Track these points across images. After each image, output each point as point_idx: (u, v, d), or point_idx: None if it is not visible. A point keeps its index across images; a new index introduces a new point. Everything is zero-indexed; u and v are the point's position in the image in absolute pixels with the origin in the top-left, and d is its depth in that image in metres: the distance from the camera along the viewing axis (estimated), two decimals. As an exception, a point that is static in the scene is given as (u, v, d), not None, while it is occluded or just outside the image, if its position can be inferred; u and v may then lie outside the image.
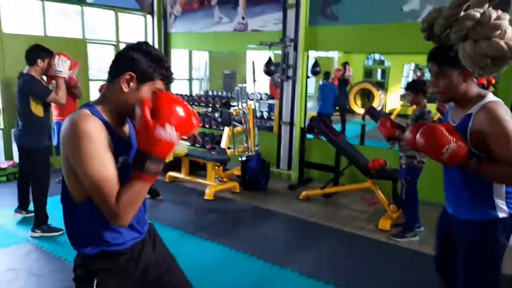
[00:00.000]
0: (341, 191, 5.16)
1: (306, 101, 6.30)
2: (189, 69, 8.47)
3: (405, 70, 12.48)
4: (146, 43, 1.39)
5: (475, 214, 1.85)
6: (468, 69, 1.76)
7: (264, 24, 6.33)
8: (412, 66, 12.54)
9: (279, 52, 6.13)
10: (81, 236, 1.40)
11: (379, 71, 13.19)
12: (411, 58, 11.84)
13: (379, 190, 4.54)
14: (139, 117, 1.24)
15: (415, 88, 3.79)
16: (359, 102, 12.28)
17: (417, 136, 1.78)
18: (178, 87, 8.13)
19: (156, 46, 7.53)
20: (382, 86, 12.28)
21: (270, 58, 5.81)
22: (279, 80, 6.16)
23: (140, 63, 1.31)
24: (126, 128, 1.46)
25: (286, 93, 6.03)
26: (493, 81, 6.10)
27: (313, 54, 6.62)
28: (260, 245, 3.82)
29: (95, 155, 1.23)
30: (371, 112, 6.61)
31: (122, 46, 7.10)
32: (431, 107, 4.29)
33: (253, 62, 5.97)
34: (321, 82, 8.89)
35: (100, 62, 8.10)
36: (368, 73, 13.02)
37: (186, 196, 5.20)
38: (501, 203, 1.80)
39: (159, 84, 1.35)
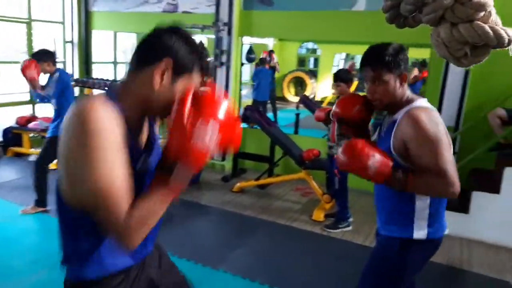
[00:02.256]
0: (274, 182, 5.03)
1: (240, 89, 6.06)
2: (114, 52, 7.82)
3: (336, 60, 12.72)
4: (180, 27, 1.11)
5: (390, 230, 1.76)
6: (404, 72, 1.64)
7: (196, 6, 5.94)
8: (343, 55, 12.81)
9: (213, 36, 5.80)
10: (80, 255, 1.11)
11: (312, 59, 13.32)
12: (342, 47, 12.08)
13: (313, 180, 4.48)
14: (175, 116, 0.97)
15: (345, 78, 3.72)
16: (292, 90, 12.33)
17: (341, 110, 1.70)
18: (102, 71, 7.46)
19: (76, 26, 6.81)
20: (314, 74, 12.42)
21: (201, 42, 5.45)
22: (212, 66, 5.84)
23: (179, 51, 1.05)
24: (146, 129, 1.17)
25: (220, 80, 5.74)
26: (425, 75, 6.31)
27: (248, 40, 6.38)
28: (191, 245, 3.54)
29: (105, 154, 0.93)
30: (305, 101, 6.58)
31: (35, 24, 6.31)
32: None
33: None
34: (254, 69, 8.69)
35: (8, 42, 7.17)
36: (301, 62, 13.10)
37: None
38: (420, 224, 1.69)
39: (196, 78, 1.10)
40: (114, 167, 0.95)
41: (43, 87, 3.93)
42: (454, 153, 4.58)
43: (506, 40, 0.99)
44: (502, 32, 1.00)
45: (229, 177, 5.28)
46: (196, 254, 3.33)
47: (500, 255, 3.67)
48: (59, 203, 1.10)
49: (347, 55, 12.76)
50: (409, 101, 1.65)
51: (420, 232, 1.68)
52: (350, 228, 4.01)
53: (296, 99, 11.57)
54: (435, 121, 1.55)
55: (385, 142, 1.65)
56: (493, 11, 1.04)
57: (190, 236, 3.73)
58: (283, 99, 12.00)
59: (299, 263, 3.32)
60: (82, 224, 1.07)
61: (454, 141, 4.51)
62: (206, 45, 5.59)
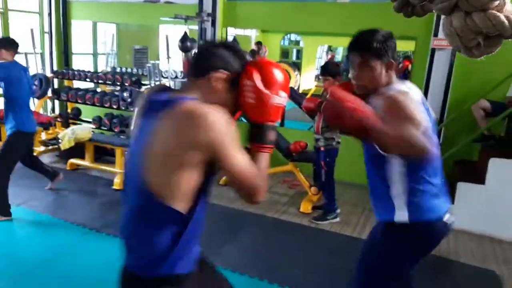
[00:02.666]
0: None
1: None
2: (94, 43, 7.60)
3: (318, 51, 12.71)
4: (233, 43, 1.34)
5: (378, 214, 1.78)
6: (390, 60, 1.61)
7: (178, -5, 5.81)
8: (325, 47, 12.81)
9: (196, 27, 5.68)
10: (170, 257, 1.22)
11: (295, 51, 13.27)
12: (326, 39, 12.07)
13: (301, 172, 4.46)
14: (250, 89, 1.20)
15: (333, 72, 3.70)
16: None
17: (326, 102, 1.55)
18: (81, 62, 7.24)
19: (54, 16, 6.58)
20: (297, 66, 12.38)
21: (186, 33, 5.34)
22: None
23: (235, 62, 1.25)
24: None
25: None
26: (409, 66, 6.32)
27: (231, 32, 6.29)
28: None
29: (236, 141, 1.17)
30: (290, 93, 6.51)
31: (12, 14, 6.06)
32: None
33: (166, 37, 5.45)
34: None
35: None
36: (285, 53, 13.04)
37: (91, 186, 4.61)
38: (400, 204, 1.67)
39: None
40: (241, 149, 1.18)
41: None
42: (439, 144, 4.65)
43: None
44: None
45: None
46: (184, 249, 3.27)
47: (485, 244, 3.73)
48: (144, 201, 1.18)
49: (329, 47, 12.76)
50: (389, 86, 1.62)
51: (400, 214, 1.66)
52: (338, 219, 4.01)
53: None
54: (409, 101, 1.50)
55: None
56: (508, 0, 1.00)
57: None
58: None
59: (288, 256, 3.30)
60: (166, 223, 1.18)
61: (439, 133, 4.55)
62: (189, 36, 5.48)
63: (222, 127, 1.12)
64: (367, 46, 1.61)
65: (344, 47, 12.85)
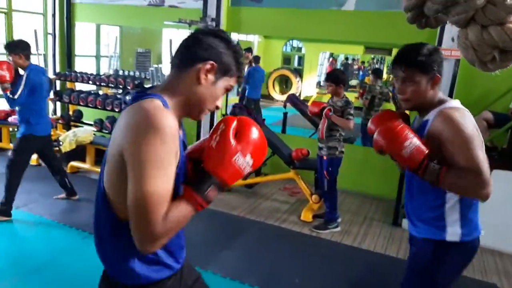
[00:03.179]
0: (263, 182, 4.97)
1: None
2: (97, 45, 7.60)
3: (320, 58, 12.74)
4: (223, 30, 1.20)
5: (426, 233, 1.73)
6: (436, 74, 1.60)
7: (183, 0, 5.81)
8: (327, 54, 12.84)
9: (199, 31, 5.69)
10: (127, 263, 1.12)
11: (297, 58, 13.30)
12: (327, 46, 12.10)
13: (302, 180, 4.44)
14: (220, 133, 1.05)
15: (336, 80, 3.74)
16: (277, 88, 12.29)
17: (377, 126, 1.60)
18: (84, 64, 7.24)
19: (57, 18, 6.58)
20: (299, 73, 12.41)
21: (239, 46, 5.34)
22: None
23: (224, 54, 1.13)
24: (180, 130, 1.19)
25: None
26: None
27: (234, 37, 6.29)
28: (178, 245, 3.45)
29: (162, 160, 0.96)
30: (293, 100, 6.53)
31: (16, 14, 6.06)
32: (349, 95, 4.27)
33: (170, 41, 5.45)
34: (247, 67, 8.57)
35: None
36: (287, 60, 13.07)
37: (92, 189, 4.55)
38: (453, 219, 1.66)
39: (233, 81, 1.18)
40: (166, 173, 0.98)
41: (12, 87, 3.60)
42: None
43: None
44: None
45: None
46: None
47: (487, 257, 3.71)
48: (105, 209, 1.10)
49: (331, 54, 12.80)
50: (441, 102, 1.62)
51: (453, 234, 1.65)
52: (339, 229, 3.99)
53: (281, 97, 11.55)
54: (468, 119, 1.53)
55: None
56: None
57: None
58: (268, 97, 11.96)
59: (289, 265, 3.27)
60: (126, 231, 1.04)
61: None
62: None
63: (152, 138, 0.95)
64: (412, 60, 1.59)
65: (345, 55, 12.89)
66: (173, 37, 6.03)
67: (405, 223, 4.16)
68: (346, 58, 12.94)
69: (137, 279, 1.14)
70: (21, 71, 3.71)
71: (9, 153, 3.81)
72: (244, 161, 1.06)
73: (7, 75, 3.57)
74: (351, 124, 3.68)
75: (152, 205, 0.95)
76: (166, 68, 5.49)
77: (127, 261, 1.12)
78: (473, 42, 0.99)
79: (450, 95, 4.56)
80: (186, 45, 1.14)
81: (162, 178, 0.97)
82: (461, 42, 1.03)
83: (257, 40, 11.85)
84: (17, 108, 3.73)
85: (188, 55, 1.11)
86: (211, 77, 1.11)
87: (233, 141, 1.04)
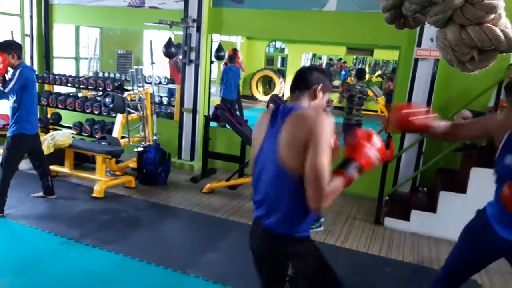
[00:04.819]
0: (245, 183, 4.94)
1: (210, 87, 5.93)
2: (76, 47, 7.47)
3: (303, 59, 12.79)
4: (315, 66, 1.93)
5: None
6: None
7: (164, 1, 5.76)
8: (310, 55, 12.90)
9: (181, 32, 5.64)
10: (298, 217, 1.66)
11: (280, 58, 13.33)
12: (310, 47, 12.15)
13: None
14: (362, 138, 1.67)
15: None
16: (260, 89, 12.29)
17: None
18: (63, 66, 7.09)
19: (35, 19, 6.44)
20: (282, 73, 12.44)
21: (170, 39, 5.29)
22: (181, 63, 5.68)
23: (324, 79, 1.76)
24: None
25: (189, 77, 5.59)
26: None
27: (216, 38, 6.26)
28: (159, 249, 3.40)
29: (328, 145, 1.54)
30: (276, 101, 6.51)
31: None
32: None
33: (150, 42, 5.39)
34: (222, 66, 8.53)
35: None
36: (270, 61, 13.08)
37: (70, 194, 4.49)
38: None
39: (330, 94, 1.81)
40: (328, 154, 1.53)
41: (3, 83, 3.66)
42: (422, 153, 4.68)
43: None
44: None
45: (198, 178, 5.15)
46: (165, 259, 3.20)
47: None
48: (282, 174, 1.60)
49: (314, 55, 12.87)
50: None
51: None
52: (322, 228, 3.99)
53: (264, 98, 11.55)
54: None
55: None
56: (503, 13, 0.99)
57: (159, 240, 3.59)
58: (252, 98, 11.95)
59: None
60: (300, 192, 1.55)
61: (421, 142, 4.59)
62: (174, 42, 5.42)
63: (323, 126, 1.54)
64: None
65: (328, 56, 12.98)
66: (154, 38, 5.96)
67: (387, 221, 4.20)
68: (330, 59, 13.03)
69: (303, 232, 1.69)
70: (11, 71, 3.73)
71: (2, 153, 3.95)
72: (372, 153, 1.63)
73: (1, 66, 3.63)
74: None
75: (324, 172, 1.50)
76: (147, 69, 5.42)
77: (299, 218, 1.65)
78: (452, 42, 0.98)
79: (430, 95, 4.62)
80: (302, 76, 1.76)
81: (328, 156, 1.52)
82: (440, 42, 1.02)
83: (239, 41, 11.83)
84: (10, 105, 3.77)
85: (306, 82, 1.73)
86: (321, 93, 1.73)
87: (363, 141, 1.65)
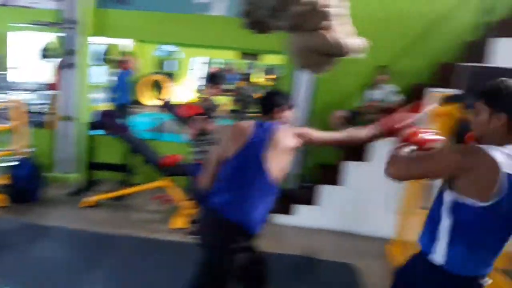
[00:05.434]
0: (132, 192, 4.70)
1: (90, 92, 5.55)
2: None
3: (195, 63, 12.78)
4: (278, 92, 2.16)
5: None
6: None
7: (35, 0, 5.23)
8: (203, 59, 12.92)
9: (58, 34, 5.17)
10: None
11: (170, 62, 13.12)
12: (201, 51, 12.15)
13: (176, 187, 4.34)
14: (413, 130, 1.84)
15: (216, 81, 3.93)
16: (150, 94, 11.93)
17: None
18: None
19: None
20: (173, 77, 12.26)
21: (47, 42, 4.82)
22: (60, 68, 5.21)
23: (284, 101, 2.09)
24: None
25: (68, 83, 5.14)
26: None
27: (100, 41, 5.90)
28: (35, 273, 3.05)
29: None
30: (168, 106, 6.38)
31: None
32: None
33: (19, 45, 4.86)
34: (116, 71, 8.06)
35: None
36: (159, 64, 12.80)
37: None
38: None
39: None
40: None
41: None
42: (306, 151, 4.95)
43: (348, 49, 1.03)
44: (348, 42, 1.05)
45: (80, 191, 4.77)
46: (41, 284, 2.89)
47: (346, 241, 4.09)
48: (262, 179, 2.05)
49: (210, 59, 12.96)
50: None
51: None
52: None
53: (155, 102, 11.20)
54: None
55: None
56: (346, 20, 1.07)
57: (34, 264, 3.21)
58: (141, 103, 11.51)
59: (166, 277, 3.14)
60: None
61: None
62: (52, 45, 4.94)
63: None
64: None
65: (223, 60, 13.16)
66: (23, 40, 5.39)
67: (274, 217, 4.38)
68: (226, 64, 13.25)
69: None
70: None
71: None
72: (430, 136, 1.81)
73: None
74: (212, 126, 3.71)
75: None
76: (12, 74, 4.83)
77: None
78: (298, 47, 1.04)
79: (311, 95, 4.90)
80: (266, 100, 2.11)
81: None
82: (288, 47, 1.09)
83: (131, 44, 11.32)
84: None
85: (268, 104, 2.08)
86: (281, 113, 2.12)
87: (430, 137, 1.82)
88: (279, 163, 2.03)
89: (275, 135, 2.00)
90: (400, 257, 3.48)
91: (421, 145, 1.77)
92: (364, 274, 3.45)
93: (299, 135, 2.03)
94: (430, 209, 1.69)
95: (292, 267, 3.47)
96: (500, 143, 1.49)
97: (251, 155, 2.04)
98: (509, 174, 1.44)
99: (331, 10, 1.08)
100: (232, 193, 2.07)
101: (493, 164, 1.43)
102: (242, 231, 2.05)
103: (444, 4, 4.64)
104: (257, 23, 1.30)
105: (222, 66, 13.15)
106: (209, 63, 12.99)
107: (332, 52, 1.06)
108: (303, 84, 4.87)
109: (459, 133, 3.36)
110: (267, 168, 2.00)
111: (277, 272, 3.44)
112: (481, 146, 1.49)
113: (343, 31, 1.14)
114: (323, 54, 1.12)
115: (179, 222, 4.07)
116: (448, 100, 2.91)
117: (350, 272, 3.48)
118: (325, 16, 1.05)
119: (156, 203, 4.71)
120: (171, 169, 4.29)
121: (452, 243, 1.55)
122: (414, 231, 3.02)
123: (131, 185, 4.80)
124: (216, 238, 2.10)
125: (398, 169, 1.67)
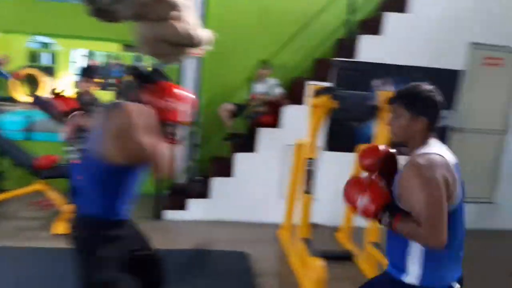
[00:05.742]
0: (4, 199, 4.18)
1: None
2: None
3: (74, 55, 11.80)
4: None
5: None
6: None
7: None
8: (83, 51, 11.99)
9: None
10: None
11: (46, 55, 11.90)
12: (81, 43, 11.26)
13: (54, 190, 3.97)
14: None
15: (89, 75, 3.77)
16: (23, 90, 10.70)
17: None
18: None
19: None
20: (50, 71, 11.17)
21: None
22: None
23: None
24: None
25: None
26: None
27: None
28: None
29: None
30: (39, 102, 5.77)
31: None
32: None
33: None
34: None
35: None
36: (34, 57, 11.53)
37: None
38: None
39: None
40: None
41: None
42: (195, 145, 4.94)
43: (199, 40, 1.03)
44: (196, 32, 1.05)
45: None
46: None
47: (239, 230, 4.21)
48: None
49: (90, 51, 12.07)
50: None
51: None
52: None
53: (27, 99, 10.10)
54: (433, 168, 1.49)
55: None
56: (192, 11, 1.07)
57: None
58: (13, 100, 10.26)
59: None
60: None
61: (194, 133, 4.81)
62: None
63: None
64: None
65: (103, 52, 12.35)
66: None
67: (166, 214, 4.31)
68: (109, 57, 12.49)
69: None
70: None
71: None
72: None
73: None
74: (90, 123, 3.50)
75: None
76: None
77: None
78: (145, 36, 1.02)
79: (198, 88, 4.89)
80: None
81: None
82: (136, 37, 1.05)
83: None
84: None
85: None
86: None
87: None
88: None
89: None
90: (288, 240, 3.72)
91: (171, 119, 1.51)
92: (257, 260, 3.58)
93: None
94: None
95: (186, 262, 3.45)
96: (423, 143, 1.58)
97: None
98: (456, 163, 1.58)
99: (179, 1, 1.09)
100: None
101: (448, 164, 1.52)
102: (102, 222, 1.77)
103: (317, 2, 5.02)
104: (101, 10, 1.24)
105: (105, 59, 12.39)
106: (89, 56, 12.10)
107: (183, 43, 1.08)
108: (190, 75, 4.83)
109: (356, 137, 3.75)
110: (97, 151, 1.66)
111: (171, 268, 3.40)
112: (430, 155, 1.52)
113: (192, 22, 1.16)
114: (173, 44, 1.12)
115: (61, 227, 3.74)
116: (320, 92, 3.16)
117: (243, 260, 3.59)
118: (172, 6, 1.05)
119: (34, 209, 4.26)
120: (47, 171, 3.91)
121: (426, 259, 1.54)
122: (299, 215, 3.27)
123: (2, 191, 4.27)
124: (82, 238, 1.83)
125: (438, 236, 1.44)
